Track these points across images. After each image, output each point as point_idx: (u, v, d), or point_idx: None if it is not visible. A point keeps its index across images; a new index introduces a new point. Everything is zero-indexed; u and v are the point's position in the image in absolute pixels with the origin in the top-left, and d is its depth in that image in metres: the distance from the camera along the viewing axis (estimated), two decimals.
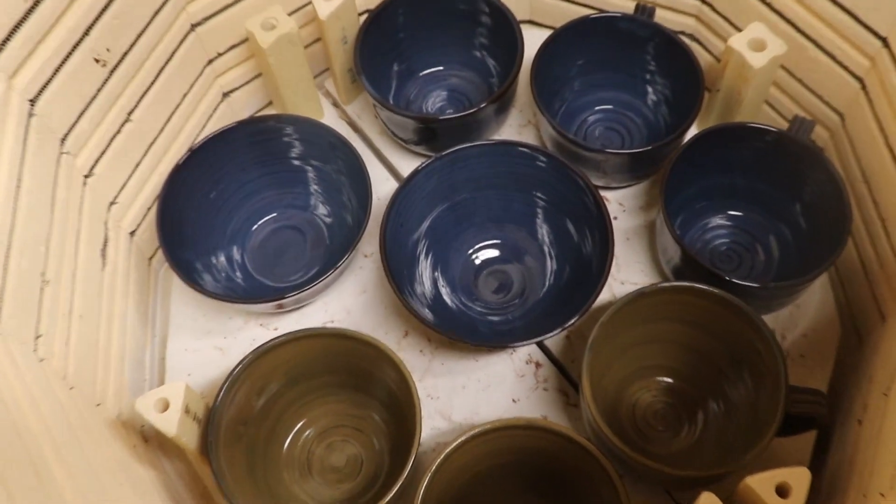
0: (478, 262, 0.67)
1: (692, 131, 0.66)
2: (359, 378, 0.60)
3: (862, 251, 0.61)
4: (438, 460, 0.52)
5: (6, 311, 0.45)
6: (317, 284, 0.60)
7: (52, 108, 0.52)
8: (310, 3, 0.67)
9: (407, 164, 0.71)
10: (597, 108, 0.73)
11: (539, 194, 0.65)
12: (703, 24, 0.69)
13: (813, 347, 0.62)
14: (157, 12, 0.59)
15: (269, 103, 0.76)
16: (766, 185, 0.64)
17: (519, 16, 0.71)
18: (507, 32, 0.69)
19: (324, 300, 0.67)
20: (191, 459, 0.57)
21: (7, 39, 0.47)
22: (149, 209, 0.65)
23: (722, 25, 0.66)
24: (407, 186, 0.62)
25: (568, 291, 0.63)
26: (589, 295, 0.57)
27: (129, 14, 0.57)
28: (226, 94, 0.71)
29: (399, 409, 0.57)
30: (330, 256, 0.67)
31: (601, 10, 0.70)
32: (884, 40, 0.55)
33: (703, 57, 0.70)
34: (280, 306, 0.62)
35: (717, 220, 0.67)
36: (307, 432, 0.61)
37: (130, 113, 0.60)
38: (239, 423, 0.56)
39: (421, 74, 0.76)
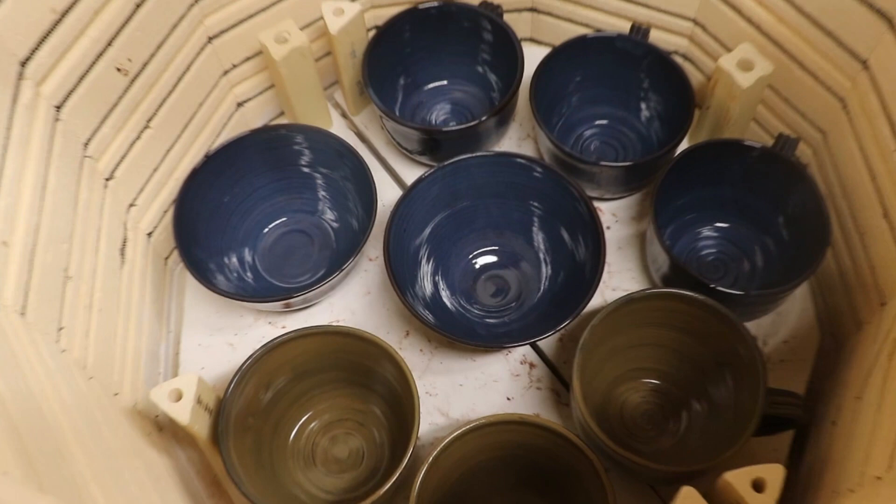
0: (477, 266, 0.67)
1: (683, 146, 0.67)
2: (362, 374, 0.60)
3: (840, 263, 0.61)
4: (435, 453, 0.52)
5: (31, 303, 0.46)
6: (323, 285, 0.60)
7: (77, 114, 0.53)
8: (321, 18, 0.67)
9: (411, 173, 0.72)
10: (593, 122, 0.73)
11: (535, 203, 0.65)
12: (696, 45, 0.69)
13: (793, 353, 0.62)
14: (175, 25, 0.59)
15: (281, 113, 0.76)
16: (751, 198, 0.64)
17: (520, 34, 0.71)
18: (508, 49, 0.69)
19: (330, 300, 0.67)
20: (202, 447, 0.57)
21: (36, 49, 0.48)
22: (165, 212, 0.65)
23: (713, 46, 0.67)
24: (410, 194, 0.62)
25: (562, 296, 0.63)
26: (581, 299, 0.57)
27: (150, 26, 0.57)
28: (240, 104, 0.71)
29: (399, 404, 0.57)
30: (336, 259, 0.67)
31: (598, 30, 0.71)
32: (864, 62, 0.55)
33: (694, 76, 0.71)
34: (288, 305, 0.62)
35: (705, 231, 0.67)
36: (312, 425, 0.61)
37: (150, 120, 0.60)
38: (248, 414, 0.56)
39: (425, 88, 0.75)
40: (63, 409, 0.43)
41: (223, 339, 0.65)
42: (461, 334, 0.60)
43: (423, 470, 0.51)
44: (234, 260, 0.67)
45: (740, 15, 0.63)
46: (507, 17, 0.72)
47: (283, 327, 0.65)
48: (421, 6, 0.70)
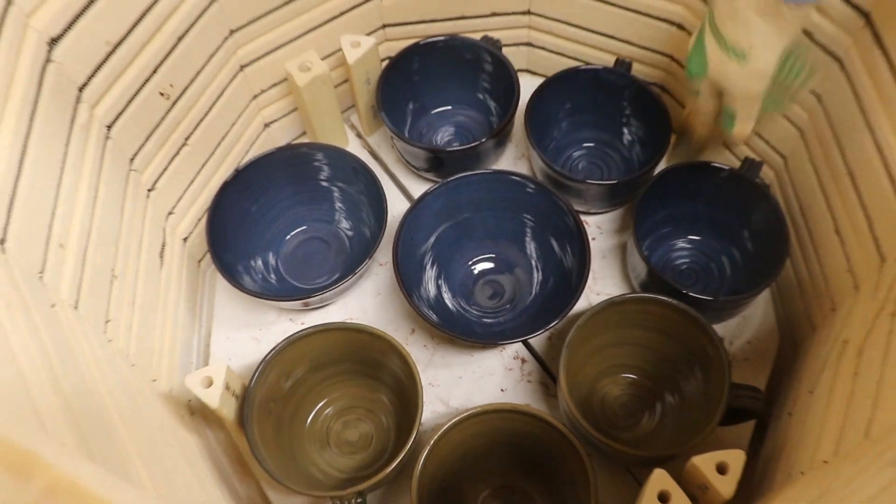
0: (475, 272, 0.67)
1: (661, 167, 0.66)
2: (372, 367, 0.60)
3: (798, 272, 0.61)
4: (436, 437, 0.52)
5: (83, 298, 0.46)
6: (338, 287, 0.60)
7: (124, 132, 0.53)
8: (340, 49, 0.67)
9: (418, 188, 0.71)
10: (581, 145, 0.73)
11: (528, 216, 0.65)
12: (672, 76, 0.70)
13: (755, 352, 0.62)
14: (212, 55, 0.60)
15: (303, 133, 0.76)
16: (720, 214, 0.64)
17: (517, 65, 0.71)
18: (506, 79, 0.69)
19: (344, 300, 0.67)
20: (229, 429, 0.57)
21: (91, 76, 0.48)
22: (199, 219, 0.65)
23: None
24: (417, 206, 0.62)
25: (551, 299, 0.63)
26: (568, 302, 0.57)
27: (190, 56, 0.57)
28: (267, 125, 0.72)
29: (405, 393, 0.58)
30: (350, 263, 0.67)
31: (587, 63, 0.71)
32: (818, 96, 0.56)
33: (671, 104, 0.71)
34: (307, 304, 0.63)
35: (680, 243, 0.67)
36: (327, 411, 0.61)
37: (187, 138, 0.60)
38: (270, 400, 0.57)
39: (432, 112, 0.76)
40: (109, 393, 0.43)
41: (249, 333, 0.65)
42: (461, 332, 0.60)
43: (425, 452, 0.52)
44: (260, 263, 0.67)
45: None
46: (505, 51, 0.72)
47: (303, 323, 0.66)
48: (428, 40, 0.71)
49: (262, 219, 0.68)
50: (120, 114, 0.52)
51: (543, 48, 0.75)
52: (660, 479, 0.47)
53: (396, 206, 0.70)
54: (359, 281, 0.66)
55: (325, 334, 0.58)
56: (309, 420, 0.61)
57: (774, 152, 0.63)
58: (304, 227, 0.70)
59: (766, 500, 0.47)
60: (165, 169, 0.59)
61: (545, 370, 0.63)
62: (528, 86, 0.70)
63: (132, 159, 0.55)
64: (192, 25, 0.56)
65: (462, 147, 0.66)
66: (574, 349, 0.56)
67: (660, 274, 0.58)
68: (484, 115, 0.76)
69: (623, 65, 0.68)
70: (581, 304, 0.60)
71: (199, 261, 0.68)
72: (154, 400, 0.52)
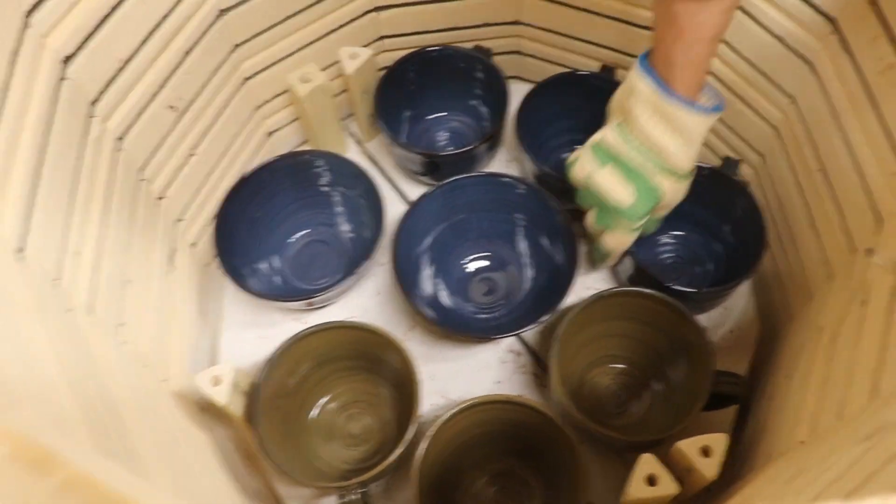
0: (471, 270, 0.67)
1: None
2: (373, 362, 0.60)
3: (776, 265, 0.62)
4: (435, 428, 0.53)
5: (99, 303, 0.46)
6: (340, 287, 0.61)
7: (135, 144, 0.53)
8: (339, 61, 0.68)
9: (414, 191, 0.71)
10: (570, 147, 0.73)
11: (520, 215, 0.65)
12: None
13: (737, 341, 0.62)
14: (217, 69, 0.60)
15: (305, 141, 0.76)
16: (703, 210, 0.64)
17: (507, 72, 0.71)
18: (497, 86, 0.70)
19: (345, 300, 0.66)
20: (237, 425, 0.57)
21: (103, 91, 0.49)
22: (207, 226, 0.65)
23: None
24: (414, 209, 0.63)
25: (543, 294, 0.63)
26: (559, 297, 0.58)
27: (196, 71, 0.57)
28: (269, 134, 0.72)
29: (404, 387, 0.58)
30: (351, 264, 0.66)
31: (574, 69, 0.71)
32: (791, 98, 0.56)
33: None
34: (310, 304, 0.63)
35: (664, 239, 0.67)
36: (331, 405, 0.62)
37: (195, 148, 0.60)
38: (276, 396, 0.57)
39: (427, 118, 0.76)
40: (124, 392, 0.43)
41: (256, 332, 0.65)
42: (458, 328, 0.61)
43: (425, 442, 0.52)
44: (265, 266, 0.67)
45: None
46: (496, 59, 0.72)
47: (306, 322, 0.63)
48: (423, 50, 0.71)
49: (267, 224, 0.68)
50: (130, 126, 0.53)
51: (532, 56, 0.75)
52: (648, 462, 0.48)
53: (395, 209, 0.69)
54: (359, 281, 0.66)
55: (329, 332, 0.58)
56: (314, 414, 0.61)
57: (752, 151, 0.64)
58: (306, 231, 0.70)
59: (747, 480, 0.48)
60: (174, 178, 0.59)
61: (538, 362, 0.64)
62: (518, 92, 0.70)
63: (142, 169, 0.55)
64: (198, 41, 0.56)
65: (456, 151, 0.67)
66: (565, 341, 0.56)
67: (646, 268, 0.59)
68: (476, 120, 0.76)
69: (608, 70, 0.69)
70: (571, 299, 0.61)
71: (208, 265, 0.68)
72: (166, 399, 0.51)
